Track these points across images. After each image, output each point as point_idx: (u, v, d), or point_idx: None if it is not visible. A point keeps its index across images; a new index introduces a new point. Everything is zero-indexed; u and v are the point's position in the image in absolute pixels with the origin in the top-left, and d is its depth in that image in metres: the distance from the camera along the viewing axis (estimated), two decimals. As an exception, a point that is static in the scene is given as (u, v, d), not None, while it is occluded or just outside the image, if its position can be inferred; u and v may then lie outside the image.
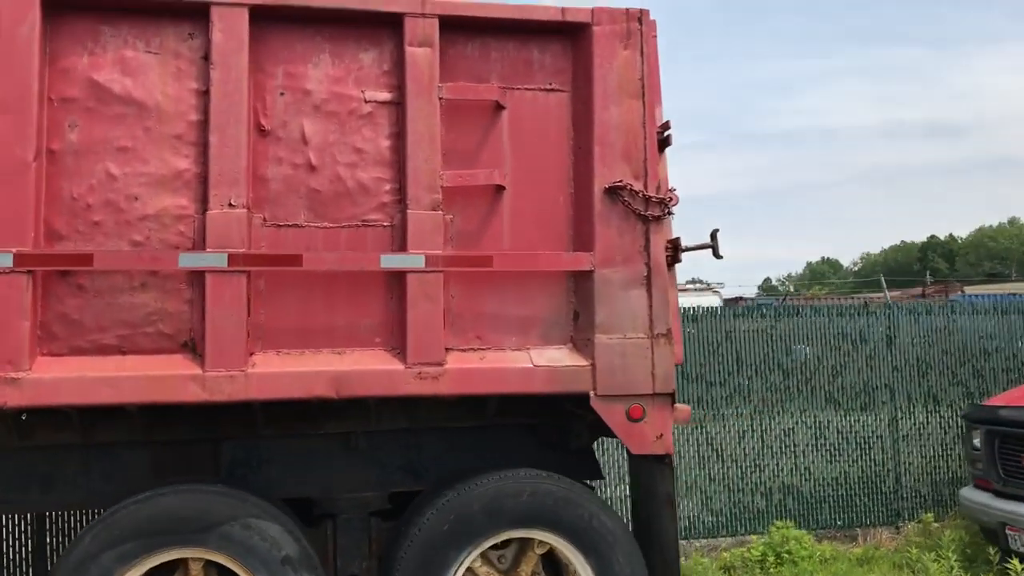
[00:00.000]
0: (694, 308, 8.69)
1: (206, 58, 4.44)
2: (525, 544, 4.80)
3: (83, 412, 4.57)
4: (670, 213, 4.83)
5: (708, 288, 34.97)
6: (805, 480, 8.74)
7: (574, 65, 4.86)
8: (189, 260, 4.34)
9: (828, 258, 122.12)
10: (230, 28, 4.44)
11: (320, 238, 4.55)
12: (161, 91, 4.44)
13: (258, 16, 4.51)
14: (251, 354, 4.42)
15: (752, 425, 8.69)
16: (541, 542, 4.74)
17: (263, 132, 4.53)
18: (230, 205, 4.39)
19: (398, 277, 4.54)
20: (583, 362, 4.67)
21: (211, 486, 4.43)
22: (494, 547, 4.77)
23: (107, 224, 4.35)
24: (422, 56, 4.63)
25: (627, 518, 5.97)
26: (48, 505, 5.04)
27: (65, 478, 4.79)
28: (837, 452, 8.85)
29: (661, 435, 4.75)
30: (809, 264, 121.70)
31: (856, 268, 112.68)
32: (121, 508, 4.29)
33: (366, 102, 4.63)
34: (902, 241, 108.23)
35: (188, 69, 4.47)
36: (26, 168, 4.20)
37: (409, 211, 4.56)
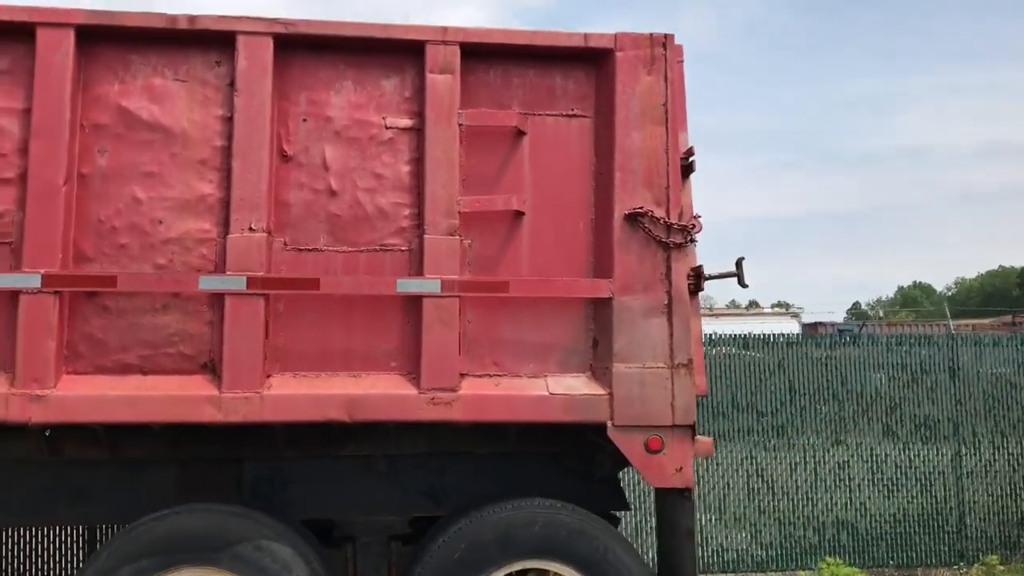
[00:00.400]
0: (744, 335, 8.51)
1: (232, 85, 4.55)
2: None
3: (110, 429, 4.69)
4: (693, 240, 4.75)
5: (787, 312, 34.26)
6: (860, 516, 8.45)
7: (597, 91, 4.83)
8: (209, 283, 4.43)
9: (920, 282, 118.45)
10: (255, 56, 4.54)
11: (339, 262, 4.60)
12: (188, 118, 4.56)
13: (283, 44, 4.60)
14: (269, 376, 4.48)
15: (804, 457, 8.44)
16: (557, 574, 4.67)
17: (286, 158, 4.61)
18: (250, 229, 4.47)
19: (414, 302, 4.55)
20: (601, 391, 4.61)
21: (227, 506, 4.49)
22: (509, 576, 4.73)
23: (132, 247, 4.47)
24: (442, 83, 4.66)
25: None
26: (76, 519, 5.17)
27: (93, 493, 4.92)
28: (895, 487, 8.53)
29: (681, 468, 4.64)
30: (900, 288, 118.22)
31: (950, 293, 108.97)
32: (139, 525, 4.38)
33: (387, 128, 4.68)
34: (1000, 266, 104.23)
35: (214, 96, 4.58)
36: (56, 192, 4.36)
37: (426, 236, 4.58)
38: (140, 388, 4.38)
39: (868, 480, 8.49)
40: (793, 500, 8.37)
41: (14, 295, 4.31)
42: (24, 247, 4.34)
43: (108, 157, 4.50)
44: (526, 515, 4.56)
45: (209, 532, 4.37)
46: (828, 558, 7.76)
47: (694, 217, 4.87)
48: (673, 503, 4.83)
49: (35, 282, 4.30)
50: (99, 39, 4.52)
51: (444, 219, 4.60)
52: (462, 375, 4.59)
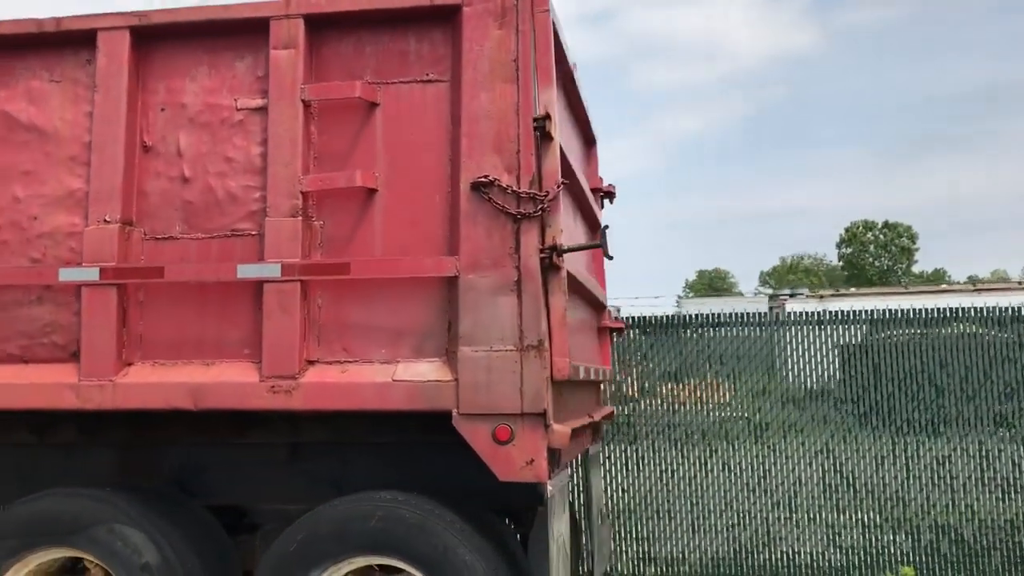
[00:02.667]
0: (819, 313, 7.52)
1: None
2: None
3: (38, 414, 4.95)
4: (543, 209, 4.24)
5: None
6: (967, 520, 7.20)
7: (452, 52, 4.45)
8: (68, 274, 4.58)
9: None
10: (113, 51, 4.62)
11: (194, 249, 4.57)
12: (60, 116, 4.73)
13: (141, 37, 4.65)
14: (130, 364, 4.56)
15: (894, 451, 7.34)
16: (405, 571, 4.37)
17: (146, 148, 4.66)
18: (105, 221, 4.57)
19: (259, 287, 4.44)
20: (448, 377, 4.25)
21: (89, 490, 4.62)
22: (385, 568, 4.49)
23: (12, 242, 4.71)
24: (285, 58, 4.49)
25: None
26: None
27: (39, 475, 5.22)
28: (1012, 489, 7.19)
29: (532, 460, 4.18)
30: None
31: None
32: (9, 507, 4.63)
33: (238, 110, 4.59)
34: None
35: (84, 94, 4.71)
36: (-56, 195, 4.69)
37: (268, 219, 4.45)
38: (18, 376, 4.62)
39: (976, 479, 7.22)
40: (879, 500, 7.31)
41: (-92, 292, 4.68)
42: (-83, 248, 4.71)
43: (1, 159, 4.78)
44: (365, 508, 4.31)
45: (68, 515, 4.52)
46: (905, 568, 6.68)
47: (560, 183, 4.34)
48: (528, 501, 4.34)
49: (-79, 280, 4.65)
50: (-10, 49, 4.81)
51: (286, 200, 4.44)
52: (311, 362, 4.42)
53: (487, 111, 4.30)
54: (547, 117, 4.31)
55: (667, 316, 7.71)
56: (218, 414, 4.61)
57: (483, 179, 4.22)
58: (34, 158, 4.74)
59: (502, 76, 4.31)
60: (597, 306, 6.41)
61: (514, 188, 4.22)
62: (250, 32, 4.58)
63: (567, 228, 5.31)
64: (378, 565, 4.41)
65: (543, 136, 4.33)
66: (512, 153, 4.27)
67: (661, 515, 7.51)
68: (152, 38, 4.67)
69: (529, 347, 4.19)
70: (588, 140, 6.64)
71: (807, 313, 7.62)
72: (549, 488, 4.20)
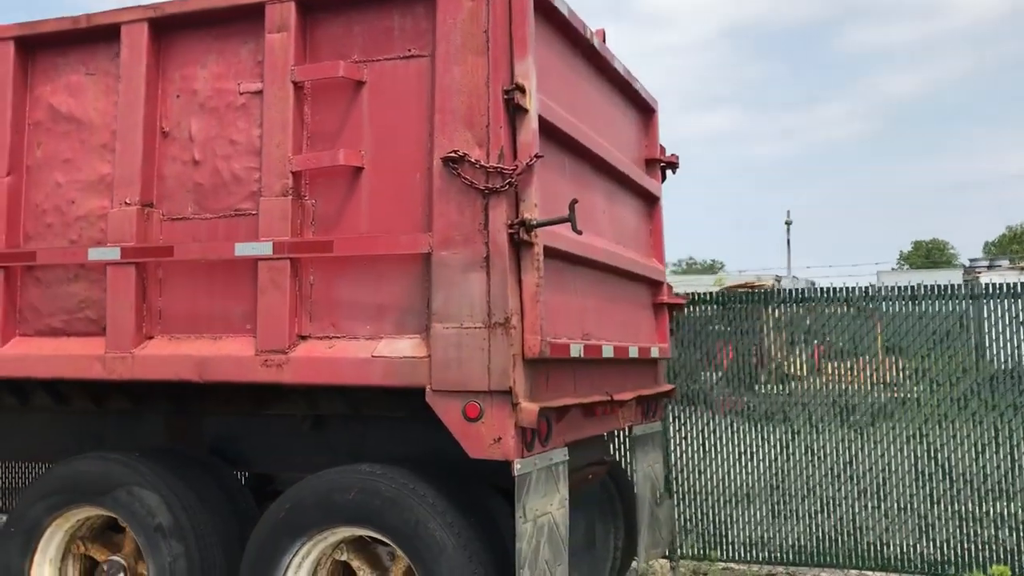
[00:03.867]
0: (928, 287, 6.90)
1: (124, 72, 4.97)
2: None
3: (98, 385, 5.34)
4: (510, 184, 4.14)
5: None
6: (1081, 518, 6.46)
7: (432, 26, 4.41)
8: (95, 254, 4.92)
9: None
10: (134, 43, 4.91)
11: (203, 229, 4.80)
12: (94, 107, 5.07)
13: (159, 27, 4.91)
14: (150, 338, 4.86)
15: (997, 437, 6.67)
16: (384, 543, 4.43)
17: (164, 134, 4.92)
18: (126, 203, 4.87)
19: (255, 265, 4.60)
20: (422, 354, 4.26)
21: (117, 455, 4.96)
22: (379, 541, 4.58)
23: (56, 225, 5.12)
24: (277, 42, 4.61)
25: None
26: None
27: (107, 437, 5.64)
28: None
29: (499, 439, 4.13)
30: None
31: None
32: (54, 467, 5.06)
33: (240, 94, 4.76)
34: None
35: (114, 85, 5.03)
36: (1, 183, 5.15)
37: (261, 198, 4.60)
38: (58, 348, 5.02)
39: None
40: (979, 490, 6.67)
41: (-34, 272, 5.18)
42: (-20, 231, 5.20)
43: (45, 150, 5.19)
44: (346, 481, 4.40)
45: (99, 477, 4.88)
46: (996, 566, 6.07)
47: (534, 156, 4.22)
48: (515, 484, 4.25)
49: (-16, 259, 5.14)
50: (33, 47, 5.22)
51: (277, 180, 4.58)
52: (303, 337, 4.55)
53: (459, 85, 4.25)
54: (518, 88, 4.20)
55: (824, 288, 7.19)
56: (247, 387, 4.82)
57: (452, 154, 4.19)
58: (72, 147, 5.11)
59: (473, 48, 4.24)
60: (645, 282, 6.21)
61: (483, 163, 4.15)
62: (252, 18, 4.72)
63: (590, 202, 5.20)
64: (369, 536, 4.50)
65: (516, 108, 4.23)
66: (482, 127, 4.20)
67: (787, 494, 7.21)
68: (167, 28, 4.92)
69: (496, 324, 4.14)
70: (641, 109, 6.41)
71: (998, 286, 6.80)
72: (518, 466, 4.14)
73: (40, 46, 5.21)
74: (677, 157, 6.69)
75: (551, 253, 4.44)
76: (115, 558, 4.98)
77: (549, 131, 4.63)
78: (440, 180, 4.25)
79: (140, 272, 4.84)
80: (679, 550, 7.28)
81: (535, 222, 4.17)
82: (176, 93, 4.91)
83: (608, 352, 5.13)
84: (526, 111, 4.26)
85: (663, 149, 6.67)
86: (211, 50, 4.86)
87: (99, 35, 5.04)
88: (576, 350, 4.64)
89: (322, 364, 4.44)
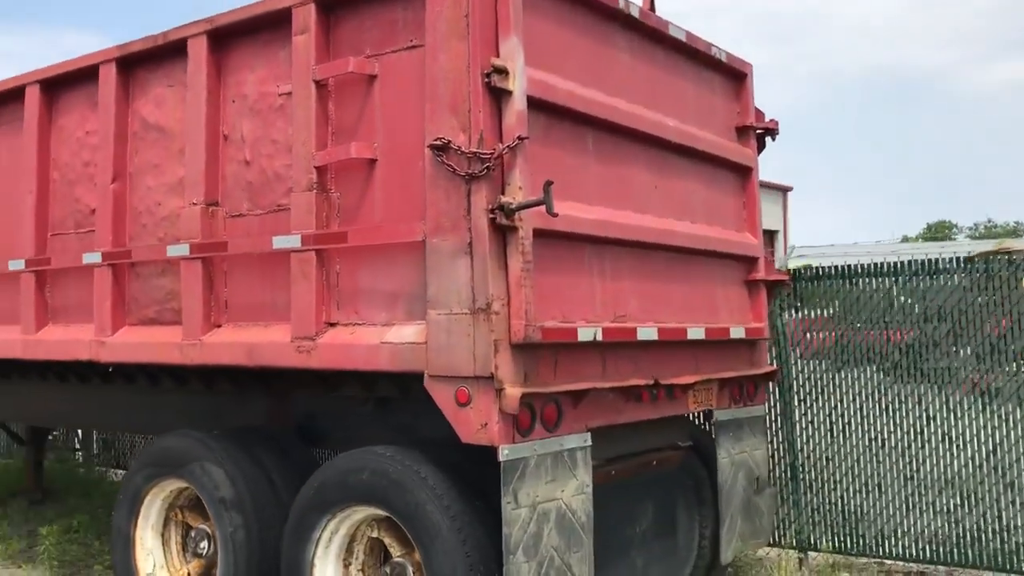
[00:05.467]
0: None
1: (196, 83, 5.42)
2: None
3: (209, 370, 5.86)
4: (488, 169, 4.09)
5: None
6: None
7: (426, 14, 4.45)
8: (172, 251, 5.41)
9: None
10: (197, 54, 5.34)
11: (256, 225, 5.15)
12: (173, 116, 5.57)
13: (216, 38, 5.29)
14: (218, 326, 5.29)
15: None
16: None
17: (225, 138, 5.31)
18: (193, 203, 5.32)
19: (289, 256, 4.88)
20: (422, 340, 4.34)
21: (196, 432, 5.43)
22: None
23: (149, 225, 5.68)
24: (301, 43, 4.84)
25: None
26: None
27: (221, 415, 6.18)
28: None
29: (485, 424, 4.13)
30: None
31: None
32: (150, 443, 5.63)
33: (279, 96, 5.04)
34: None
35: (185, 94, 5.49)
36: (108, 189, 5.79)
37: (292, 193, 4.86)
38: (150, 336, 5.59)
39: None
40: None
41: (89, 269, 5.86)
42: (96, 234, 5.88)
43: (141, 157, 5.77)
44: (360, 462, 4.57)
45: (180, 452, 5.39)
46: None
47: (518, 138, 4.13)
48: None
49: (96, 259, 5.81)
50: (130, 65, 5.80)
51: (304, 175, 4.81)
52: (331, 324, 4.77)
53: (444, 72, 4.27)
54: (497, 71, 4.15)
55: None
56: (317, 371, 5.11)
57: (437, 141, 4.21)
58: (159, 154, 5.64)
59: (456, 34, 4.24)
60: (731, 259, 5.88)
61: (464, 149, 4.15)
62: (285, 22, 4.98)
63: (628, 177, 5.03)
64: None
65: (499, 91, 4.18)
66: (465, 112, 4.19)
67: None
68: (223, 39, 5.29)
69: (479, 310, 4.13)
70: (727, 74, 6.04)
71: None
72: (505, 452, 4.12)
73: (135, 64, 5.77)
74: (776, 123, 6.25)
75: (550, 235, 4.36)
76: (202, 526, 5.48)
77: (557, 110, 4.53)
78: (430, 168, 4.29)
79: (206, 266, 5.27)
80: (808, 542, 6.84)
81: (514, 206, 4.11)
82: (232, 98, 5.28)
83: (648, 335, 4.94)
84: (510, 93, 4.20)
85: (760, 115, 6.25)
86: (258, 55, 5.18)
87: (174, 50, 5.51)
88: (588, 334, 4.51)
89: (342, 350, 4.64)
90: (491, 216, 4.11)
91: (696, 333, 5.34)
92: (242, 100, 5.23)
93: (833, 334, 6.84)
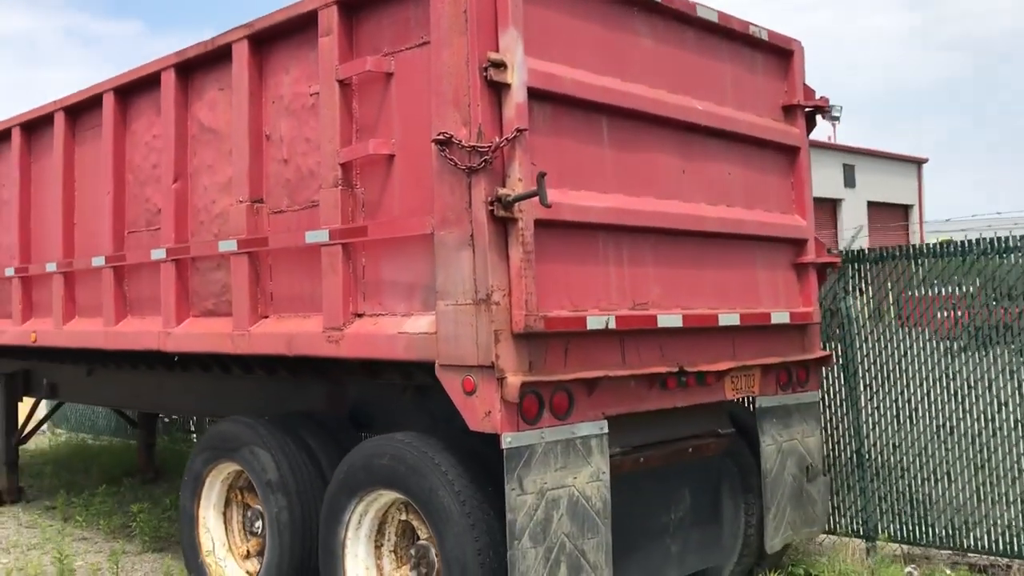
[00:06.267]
0: None
1: (242, 86, 5.68)
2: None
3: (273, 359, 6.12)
4: (486, 162, 4.15)
5: None
6: None
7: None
8: (223, 246, 5.70)
9: None
10: (240, 58, 5.59)
11: (294, 220, 5.36)
12: (224, 119, 5.84)
13: (258, 42, 5.53)
14: (265, 317, 5.55)
15: None
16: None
17: (267, 137, 5.55)
18: (239, 201, 5.59)
19: (319, 250, 5.07)
20: (434, 330, 4.45)
21: (247, 417, 5.71)
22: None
23: (206, 222, 5.99)
24: (326, 44, 5.00)
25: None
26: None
27: (278, 400, 6.49)
28: None
29: (489, 412, 4.21)
30: None
31: None
32: (211, 427, 5.95)
33: (310, 95, 5.23)
34: None
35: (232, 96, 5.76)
36: (170, 189, 6.14)
37: (321, 190, 5.04)
38: (208, 327, 5.91)
39: None
40: None
41: (157, 265, 6.23)
42: (161, 231, 6.24)
43: (198, 158, 6.08)
44: (383, 448, 4.72)
45: (232, 436, 5.68)
46: None
47: (517, 130, 4.17)
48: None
49: (162, 255, 6.17)
50: (187, 71, 6.11)
51: (330, 172, 4.99)
52: (358, 315, 4.94)
53: (447, 67, 4.35)
54: (493, 65, 4.20)
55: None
56: (363, 360, 5.31)
57: (441, 136, 4.30)
58: (212, 154, 5.93)
59: (457, 29, 4.31)
60: (776, 242, 5.74)
61: (464, 142, 4.22)
62: (315, 25, 5.15)
63: (651, 163, 4.99)
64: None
65: (498, 85, 4.23)
66: (465, 107, 4.27)
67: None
68: (263, 42, 5.52)
69: (480, 300, 4.21)
70: (772, 53, 5.88)
71: None
72: (508, 439, 4.19)
73: (191, 69, 6.08)
74: (827, 100, 6.05)
75: (557, 225, 4.39)
76: (257, 507, 5.78)
77: (565, 100, 4.55)
78: (437, 162, 4.39)
79: (252, 260, 5.53)
80: (877, 531, 6.63)
81: (511, 198, 4.16)
82: (272, 99, 5.51)
83: (671, 322, 4.90)
84: (509, 86, 4.25)
85: (810, 92, 6.06)
86: (293, 57, 5.38)
87: (223, 54, 5.78)
88: (599, 322, 4.52)
89: (366, 339, 4.81)
90: (490, 208, 4.18)
91: (729, 319, 5.26)
92: (280, 101, 5.45)
93: (968, 313, 6.40)
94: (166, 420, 12.38)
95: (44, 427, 14.75)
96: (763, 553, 5.85)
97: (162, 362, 7.00)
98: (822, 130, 45.55)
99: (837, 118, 32.84)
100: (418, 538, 4.84)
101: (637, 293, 4.84)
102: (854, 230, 10.29)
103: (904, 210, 39.84)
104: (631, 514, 5.09)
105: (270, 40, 5.50)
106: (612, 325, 4.58)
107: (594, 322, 4.51)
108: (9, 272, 7.91)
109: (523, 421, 4.26)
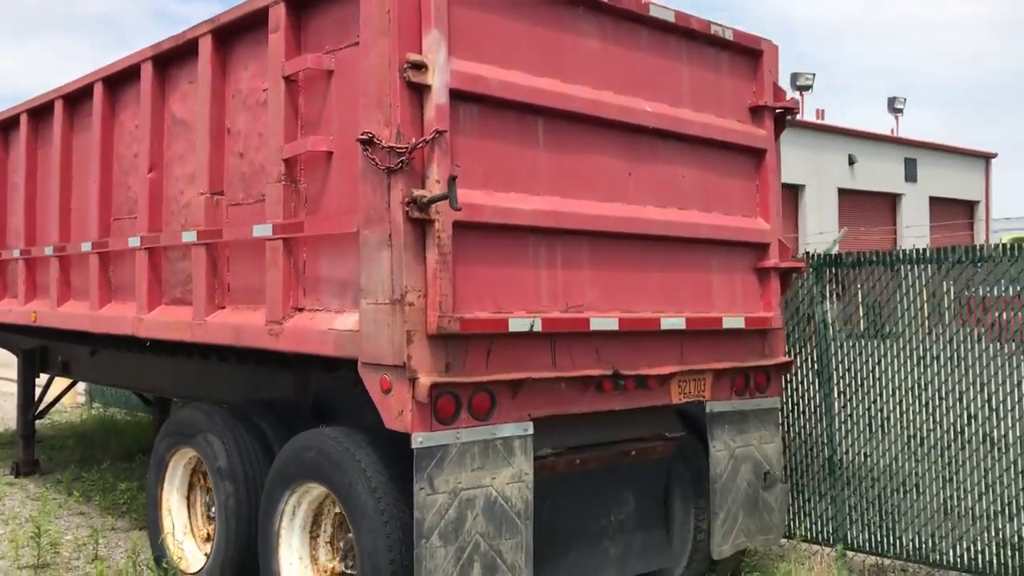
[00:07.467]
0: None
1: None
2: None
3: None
4: (403, 163, 4.17)
5: None
6: None
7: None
8: (185, 237, 5.83)
9: None
10: (204, 52, 5.69)
11: (249, 213, 5.46)
12: (192, 111, 5.96)
13: (221, 37, 5.62)
14: (222, 307, 5.67)
15: None
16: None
17: (228, 131, 5.64)
18: (200, 193, 5.70)
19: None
20: (357, 328, 4.51)
21: (205, 404, 5.84)
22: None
23: (176, 212, 6.13)
24: (275, 40, 5.07)
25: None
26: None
27: (244, 386, 6.61)
28: None
29: (402, 411, 4.25)
30: None
31: None
32: (174, 414, 6.10)
33: (263, 91, 5.30)
34: None
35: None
36: (145, 179, 6.29)
37: (267, 184, 5.12)
38: (175, 315, 6.05)
39: None
40: None
41: (135, 252, 6.39)
42: (137, 220, 6.40)
43: (171, 150, 6.22)
44: (313, 441, 4.80)
45: (192, 423, 5.82)
46: None
47: (436, 132, 4.18)
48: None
49: (137, 242, 6.33)
50: (163, 64, 6.24)
51: (275, 167, 5.07)
52: (299, 309, 5.02)
53: (373, 67, 4.38)
54: (412, 66, 4.21)
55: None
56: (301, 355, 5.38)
57: (364, 135, 4.33)
58: (182, 146, 6.06)
59: (381, 30, 4.33)
60: (733, 245, 5.66)
61: (384, 143, 4.25)
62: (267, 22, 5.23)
63: (593, 166, 4.96)
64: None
65: (418, 86, 4.25)
66: (387, 107, 4.29)
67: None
68: (226, 37, 5.61)
69: (395, 301, 4.25)
70: (740, 53, 5.78)
71: None
72: (419, 439, 4.22)
73: (167, 62, 6.21)
74: (795, 102, 5.93)
75: (480, 227, 4.40)
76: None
77: (494, 101, 4.54)
78: (362, 161, 4.42)
79: (210, 251, 5.65)
80: (846, 539, 6.51)
81: (425, 199, 4.18)
82: (233, 94, 5.60)
83: (605, 325, 4.88)
84: (429, 87, 4.26)
85: (780, 93, 5.94)
86: (252, 54, 5.46)
87: (192, 48, 5.89)
88: (523, 324, 4.52)
89: (301, 334, 4.89)
90: (406, 209, 4.21)
91: (673, 323, 5.21)
92: (239, 95, 5.54)
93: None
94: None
95: (81, 400, 15.40)
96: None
97: (152, 346, 7.19)
98: (885, 122, 44.37)
99: (900, 110, 32.12)
100: (349, 531, 4.92)
101: (571, 296, 4.83)
102: (837, 234, 10.03)
103: (970, 207, 38.68)
104: (566, 515, 5.10)
105: (232, 35, 5.58)
106: (538, 327, 4.58)
107: (517, 324, 4.51)
108: (15, 254, 8.21)
109: (437, 421, 4.29)
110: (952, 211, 36.88)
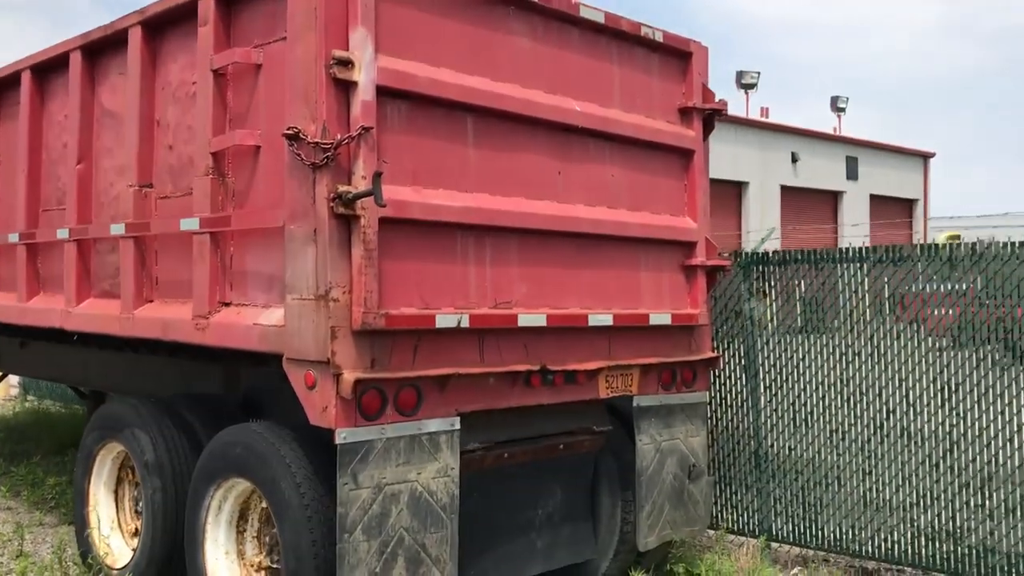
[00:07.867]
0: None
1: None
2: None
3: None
4: (328, 159, 4.19)
5: None
6: None
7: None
8: (113, 229, 5.76)
9: None
10: (135, 43, 5.63)
11: (177, 206, 5.42)
12: (123, 102, 5.89)
13: (151, 28, 5.57)
14: (150, 301, 5.62)
15: None
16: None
17: (158, 123, 5.59)
18: (129, 185, 5.65)
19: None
20: (282, 323, 4.51)
21: (133, 399, 5.79)
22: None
23: (106, 204, 6.06)
24: (204, 33, 5.04)
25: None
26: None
27: (182, 382, 6.58)
28: None
29: (325, 408, 4.27)
30: None
31: None
32: (101, 406, 6.05)
33: (192, 84, 5.26)
34: None
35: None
36: (74, 171, 6.20)
37: (195, 178, 5.09)
38: (105, 308, 5.98)
39: None
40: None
41: (63, 244, 6.30)
42: (66, 212, 6.31)
43: (100, 141, 6.14)
44: (239, 436, 4.80)
45: (119, 417, 5.77)
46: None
47: (361, 129, 4.21)
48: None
49: (65, 235, 6.24)
50: (93, 54, 6.15)
51: (202, 160, 5.04)
52: (225, 304, 5.00)
53: (299, 62, 4.39)
54: (338, 62, 4.23)
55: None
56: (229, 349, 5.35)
57: (290, 131, 4.33)
58: (112, 138, 5.99)
59: (308, 26, 4.34)
60: (662, 244, 5.76)
61: (310, 138, 4.26)
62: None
63: (522, 164, 5.02)
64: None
65: (344, 82, 4.26)
66: (313, 103, 4.30)
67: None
68: (155, 29, 5.56)
69: (319, 296, 4.26)
70: (670, 54, 5.87)
71: None
72: (343, 435, 4.25)
73: (96, 52, 6.13)
74: (725, 103, 6.04)
75: (407, 223, 4.43)
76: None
77: (422, 98, 4.57)
78: (288, 156, 4.43)
79: (138, 244, 5.60)
80: (771, 531, 6.67)
81: (350, 195, 4.20)
82: (163, 86, 5.55)
83: (533, 321, 4.94)
84: (356, 83, 4.28)
85: (709, 95, 6.05)
86: (181, 46, 5.41)
87: (122, 39, 5.82)
88: (450, 320, 4.56)
89: (227, 329, 4.87)
90: (331, 205, 4.22)
91: (601, 319, 5.29)
92: (168, 88, 5.49)
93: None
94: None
95: (14, 393, 15.11)
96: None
97: (82, 339, 7.10)
98: (827, 121, 45.09)
99: (843, 109, 32.67)
100: (275, 526, 4.92)
101: (500, 292, 4.88)
102: (766, 232, 10.23)
103: (909, 205, 39.53)
104: (494, 508, 5.16)
105: (162, 27, 5.53)
106: (465, 324, 4.63)
107: (444, 320, 4.55)
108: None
109: (362, 417, 4.31)
110: (892, 209, 37.64)
